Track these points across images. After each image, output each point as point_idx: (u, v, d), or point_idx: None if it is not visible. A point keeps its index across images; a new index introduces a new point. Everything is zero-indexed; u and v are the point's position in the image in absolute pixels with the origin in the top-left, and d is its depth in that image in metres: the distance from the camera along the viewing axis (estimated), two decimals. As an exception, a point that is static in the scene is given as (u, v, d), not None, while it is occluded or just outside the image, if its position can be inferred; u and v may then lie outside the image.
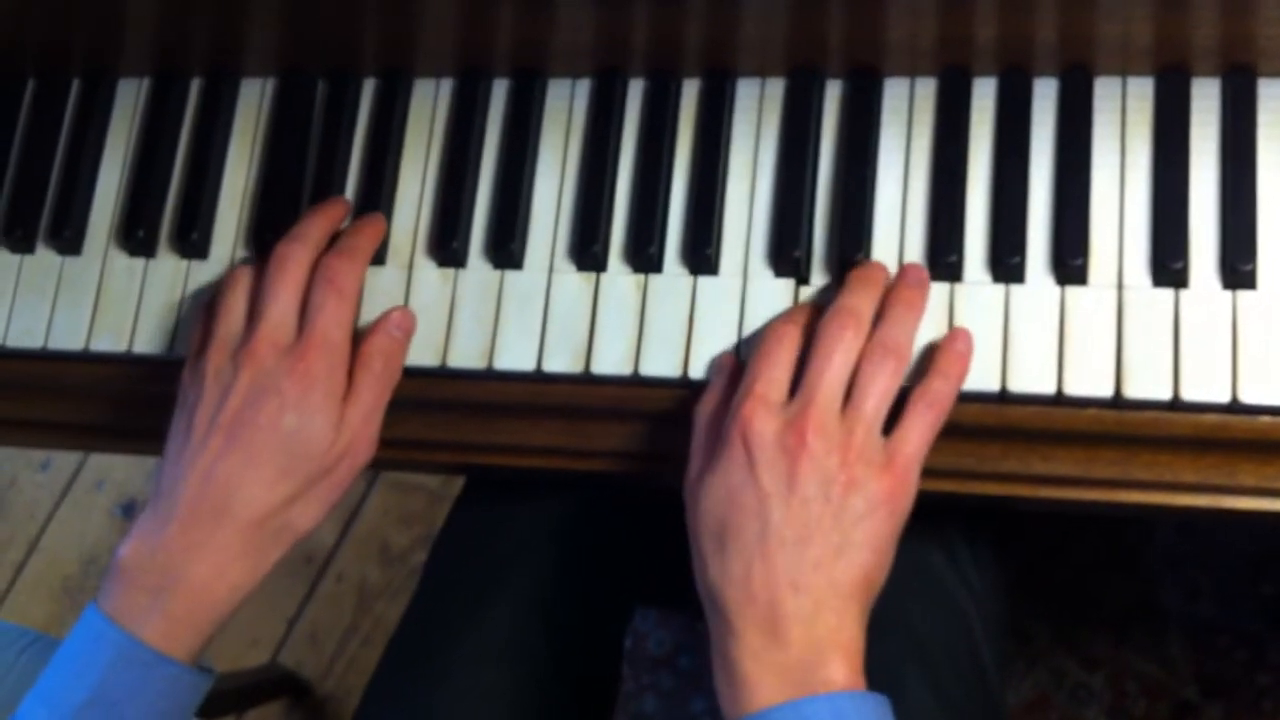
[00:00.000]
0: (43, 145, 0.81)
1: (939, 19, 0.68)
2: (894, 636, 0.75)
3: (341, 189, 0.76)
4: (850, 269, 0.68)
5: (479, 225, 0.74)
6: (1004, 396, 0.66)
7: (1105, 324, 0.65)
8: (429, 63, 0.77)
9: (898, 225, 0.69)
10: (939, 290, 0.68)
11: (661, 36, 0.72)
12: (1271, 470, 0.64)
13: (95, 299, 0.77)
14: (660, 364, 0.70)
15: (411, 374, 0.72)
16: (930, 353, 0.66)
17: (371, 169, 0.76)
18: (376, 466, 0.73)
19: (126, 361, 0.77)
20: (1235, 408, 0.63)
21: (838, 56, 0.71)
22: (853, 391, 0.62)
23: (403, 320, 0.72)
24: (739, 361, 0.68)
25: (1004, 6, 0.66)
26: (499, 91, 0.77)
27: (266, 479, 0.66)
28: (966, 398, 0.65)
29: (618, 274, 0.72)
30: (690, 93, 0.74)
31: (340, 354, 0.68)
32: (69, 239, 0.78)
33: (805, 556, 0.60)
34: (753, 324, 0.69)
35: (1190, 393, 0.64)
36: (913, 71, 0.71)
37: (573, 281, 0.72)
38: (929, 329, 0.67)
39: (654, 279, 0.71)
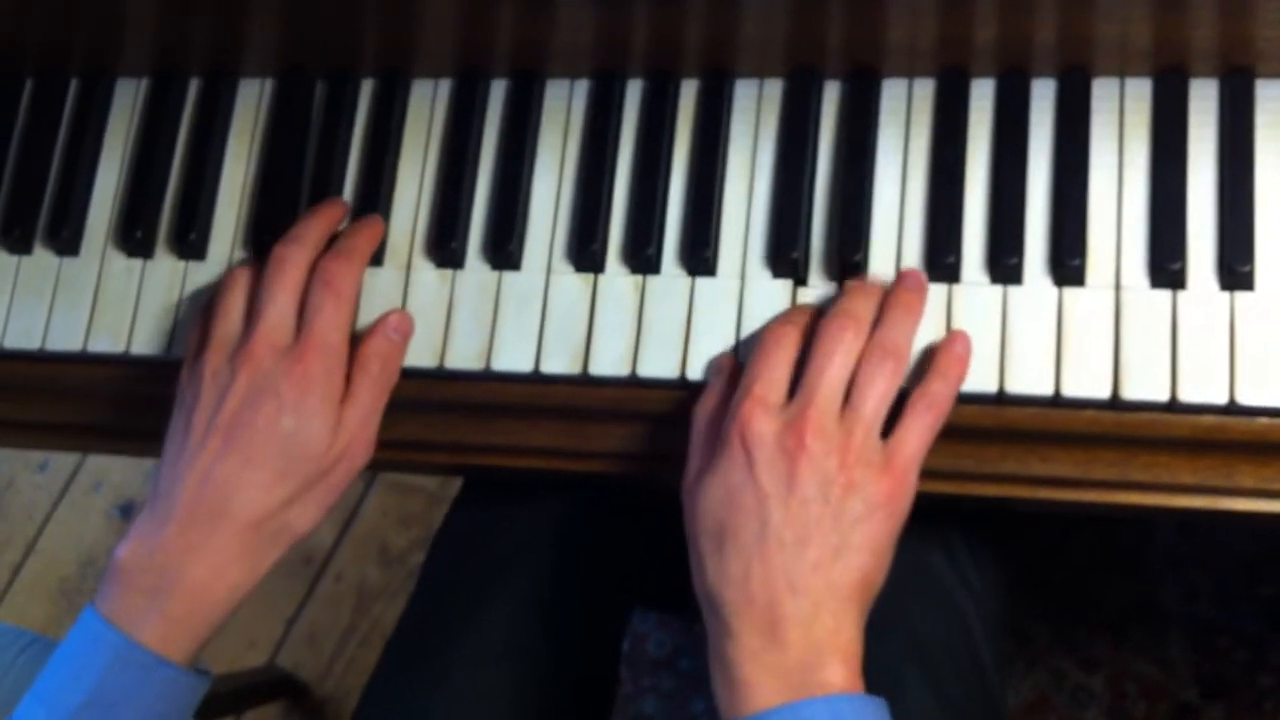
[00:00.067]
0: (41, 145, 0.81)
1: (938, 20, 0.68)
2: (894, 637, 0.75)
3: (339, 190, 0.76)
4: (848, 271, 0.68)
5: (477, 226, 0.74)
6: (1002, 397, 0.66)
7: (1103, 325, 0.65)
8: (427, 63, 0.77)
9: (896, 226, 0.69)
10: (937, 291, 0.68)
11: (660, 37, 0.72)
12: (1269, 471, 0.64)
13: (93, 300, 0.77)
14: (658, 365, 0.70)
15: (409, 375, 0.72)
16: (929, 355, 0.66)
17: (369, 170, 0.76)
18: (375, 468, 0.73)
19: (124, 362, 0.77)
20: (1233, 409, 0.63)
21: (836, 57, 0.71)
22: (852, 393, 0.63)
23: (400, 323, 0.72)
24: (737, 363, 0.68)
25: (1003, 7, 0.66)
26: (497, 92, 0.77)
27: (264, 481, 0.66)
28: (965, 399, 0.65)
29: (616, 275, 0.72)
30: (689, 93, 0.74)
31: (338, 356, 0.68)
32: (67, 239, 0.78)
33: (804, 558, 0.60)
34: (751, 325, 0.69)
35: (1188, 394, 0.64)
36: (911, 72, 0.71)
37: (571, 282, 0.72)
38: (927, 330, 0.67)
39: (652, 280, 0.71)
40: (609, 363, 0.70)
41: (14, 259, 0.79)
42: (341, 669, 1.51)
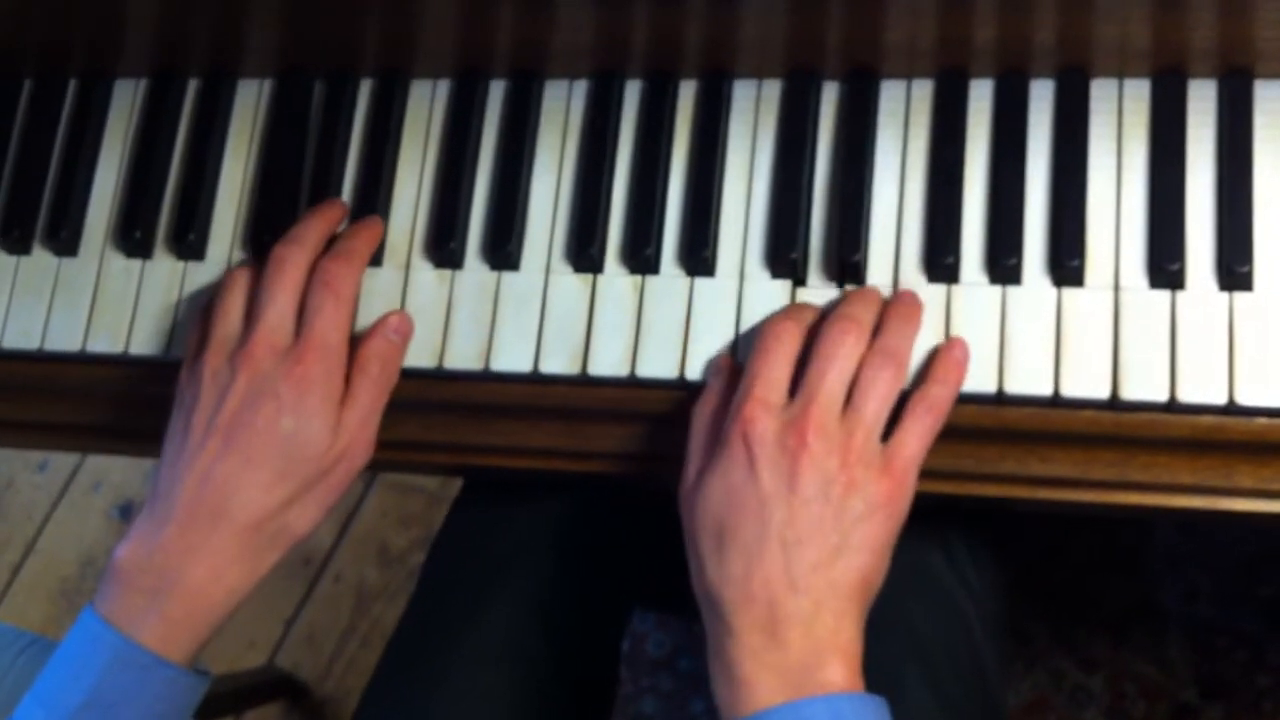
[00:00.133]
0: (39, 146, 0.81)
1: (937, 20, 0.68)
2: (893, 637, 0.75)
3: (338, 190, 0.76)
4: (847, 271, 0.69)
5: (476, 226, 0.74)
6: (1001, 398, 0.66)
7: (1102, 325, 0.65)
8: (426, 63, 0.77)
9: (894, 227, 0.69)
10: (936, 292, 0.68)
11: (659, 37, 0.72)
12: (1269, 472, 0.64)
13: (92, 300, 0.77)
14: (657, 365, 0.70)
15: (409, 375, 0.72)
16: (928, 360, 0.66)
17: (368, 170, 0.76)
18: (374, 468, 0.73)
19: (123, 363, 0.77)
20: (1232, 409, 0.63)
21: (835, 58, 0.71)
22: (853, 395, 0.63)
23: (400, 324, 0.72)
24: (736, 363, 0.68)
25: (1002, 8, 0.66)
26: (496, 92, 0.77)
27: (263, 482, 0.66)
28: (964, 399, 0.65)
29: (615, 275, 0.72)
30: (687, 94, 0.74)
31: (337, 357, 0.68)
32: (66, 240, 0.78)
33: (805, 557, 0.60)
34: (750, 325, 0.69)
35: (1187, 394, 0.64)
36: (910, 73, 0.71)
37: (570, 283, 0.72)
38: (927, 332, 0.67)
39: (651, 280, 0.71)
40: (608, 363, 0.70)
41: (13, 259, 0.79)
42: (341, 669, 1.51)
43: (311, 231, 0.71)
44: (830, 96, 0.72)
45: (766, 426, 0.62)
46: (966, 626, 0.79)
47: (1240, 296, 0.64)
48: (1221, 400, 0.63)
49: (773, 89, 0.73)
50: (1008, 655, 1.28)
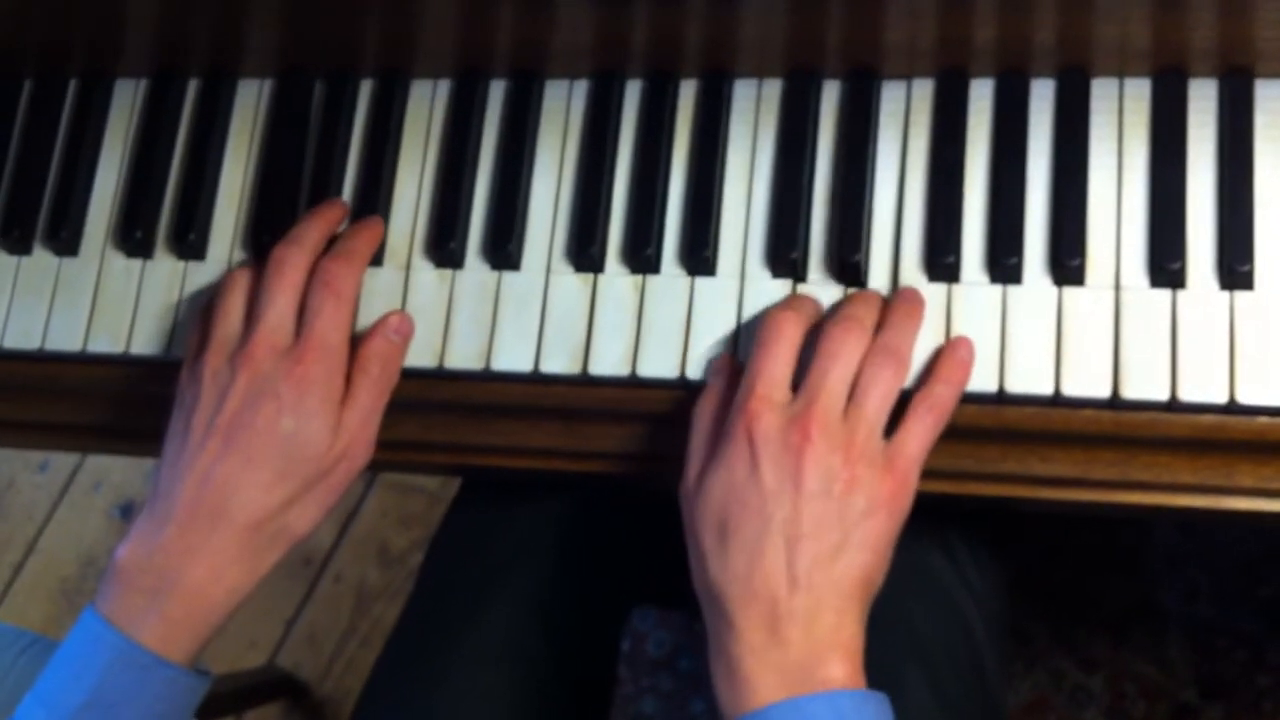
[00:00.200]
0: (40, 146, 0.81)
1: (937, 20, 0.68)
2: (894, 636, 0.75)
3: (339, 190, 0.76)
4: (847, 271, 0.69)
5: (476, 226, 0.74)
6: (1002, 397, 0.66)
7: (1103, 325, 0.65)
8: (427, 64, 0.77)
9: (895, 226, 0.69)
10: (937, 291, 0.68)
11: (659, 37, 0.72)
12: (1269, 471, 0.64)
13: (92, 300, 0.77)
14: (658, 365, 0.70)
15: (409, 375, 0.72)
16: (931, 360, 0.66)
17: (369, 170, 0.76)
18: (374, 468, 0.73)
19: (124, 363, 0.77)
20: (1233, 408, 0.63)
21: (835, 58, 0.71)
22: (855, 393, 0.63)
23: (401, 324, 0.72)
24: (737, 363, 0.68)
25: (1002, 8, 0.66)
26: (496, 93, 0.77)
27: (264, 482, 0.66)
28: (965, 398, 0.65)
29: (615, 275, 0.72)
30: (688, 94, 0.74)
31: (338, 357, 0.68)
32: (66, 240, 0.78)
33: (807, 554, 0.60)
34: (750, 325, 0.69)
35: (1188, 393, 0.64)
36: (910, 73, 0.71)
37: (570, 282, 0.72)
38: (928, 331, 0.67)
39: (651, 280, 0.71)
40: (609, 363, 0.70)
41: (13, 259, 0.79)
42: (341, 669, 1.51)
43: (312, 232, 0.71)
44: (831, 96, 0.72)
45: (770, 423, 0.62)
46: (967, 626, 0.79)
47: (1241, 295, 0.64)
48: (1222, 399, 0.63)
49: (773, 89, 0.73)
50: (1008, 655, 1.28)
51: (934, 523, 0.78)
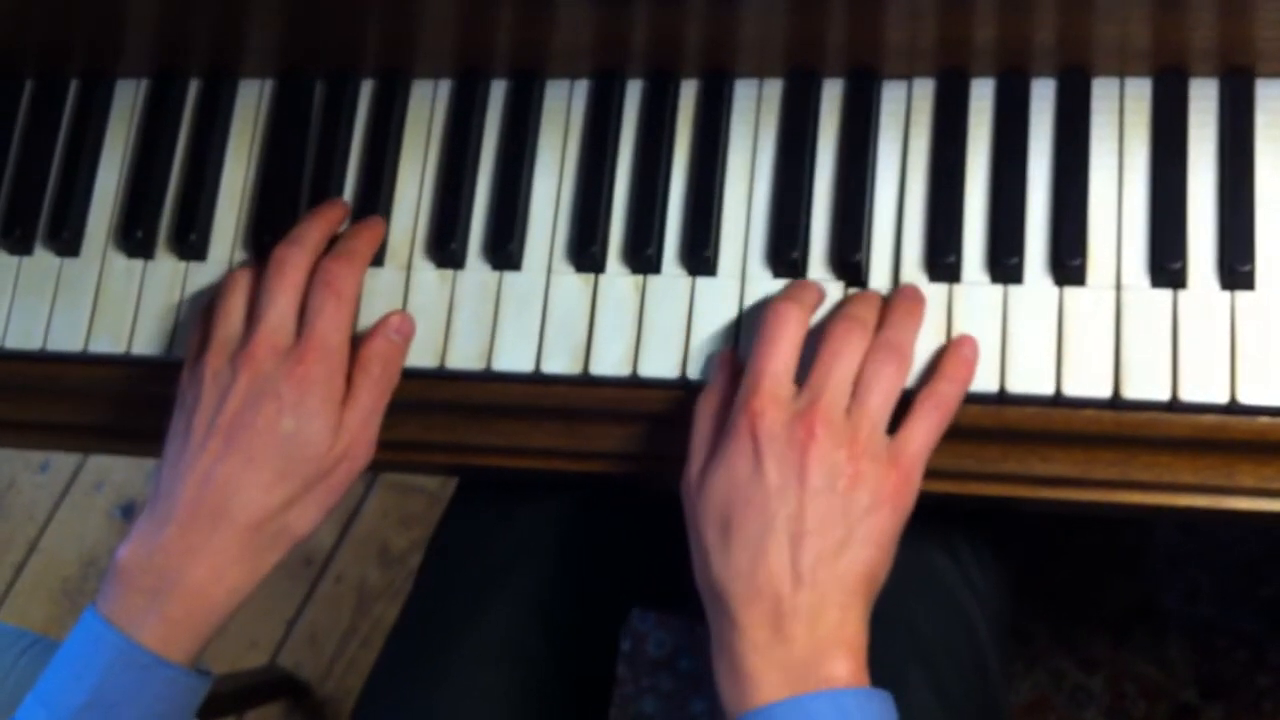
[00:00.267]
0: (41, 146, 0.81)
1: (937, 20, 0.68)
2: (897, 636, 0.75)
3: (340, 190, 0.76)
4: (848, 271, 0.69)
5: (477, 226, 0.74)
6: (1003, 397, 0.66)
7: (1103, 325, 0.65)
8: (427, 64, 0.77)
9: (895, 226, 0.69)
10: (937, 291, 0.68)
11: (660, 37, 0.72)
12: (1270, 471, 0.64)
13: (94, 300, 0.77)
14: (659, 365, 0.70)
15: (410, 375, 0.72)
16: (935, 359, 0.66)
17: (370, 170, 0.76)
18: (375, 468, 0.73)
19: (125, 363, 0.77)
20: (1234, 408, 0.63)
21: (836, 57, 0.71)
22: (858, 389, 0.63)
23: (402, 324, 0.72)
24: (738, 359, 0.68)
25: (1002, 8, 0.66)
26: (497, 92, 0.77)
27: (264, 482, 0.66)
28: (966, 398, 0.65)
29: (616, 275, 0.72)
30: (688, 94, 0.74)
31: (339, 358, 0.68)
32: (67, 240, 0.78)
33: (810, 550, 0.60)
34: (750, 326, 0.69)
35: (1189, 393, 0.64)
36: (911, 73, 0.71)
37: (571, 282, 0.72)
38: (929, 331, 0.67)
39: (652, 280, 0.71)
40: (610, 363, 0.70)
41: (15, 259, 0.79)
42: (342, 669, 1.51)
43: (313, 232, 0.71)
44: (831, 96, 0.72)
45: (774, 420, 0.61)
46: (969, 626, 0.79)
47: (1242, 295, 0.64)
48: (1223, 399, 0.63)
49: (774, 89, 0.73)
50: (1009, 655, 1.28)
51: (937, 523, 0.78)
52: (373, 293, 0.73)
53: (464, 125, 0.76)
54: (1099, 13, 0.65)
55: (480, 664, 0.79)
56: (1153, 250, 0.66)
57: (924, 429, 0.63)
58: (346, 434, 0.68)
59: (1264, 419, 0.64)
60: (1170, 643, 1.29)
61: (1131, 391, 0.64)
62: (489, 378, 0.72)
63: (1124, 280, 0.66)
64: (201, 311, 0.73)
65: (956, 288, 0.68)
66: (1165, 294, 0.65)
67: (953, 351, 0.66)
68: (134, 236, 0.77)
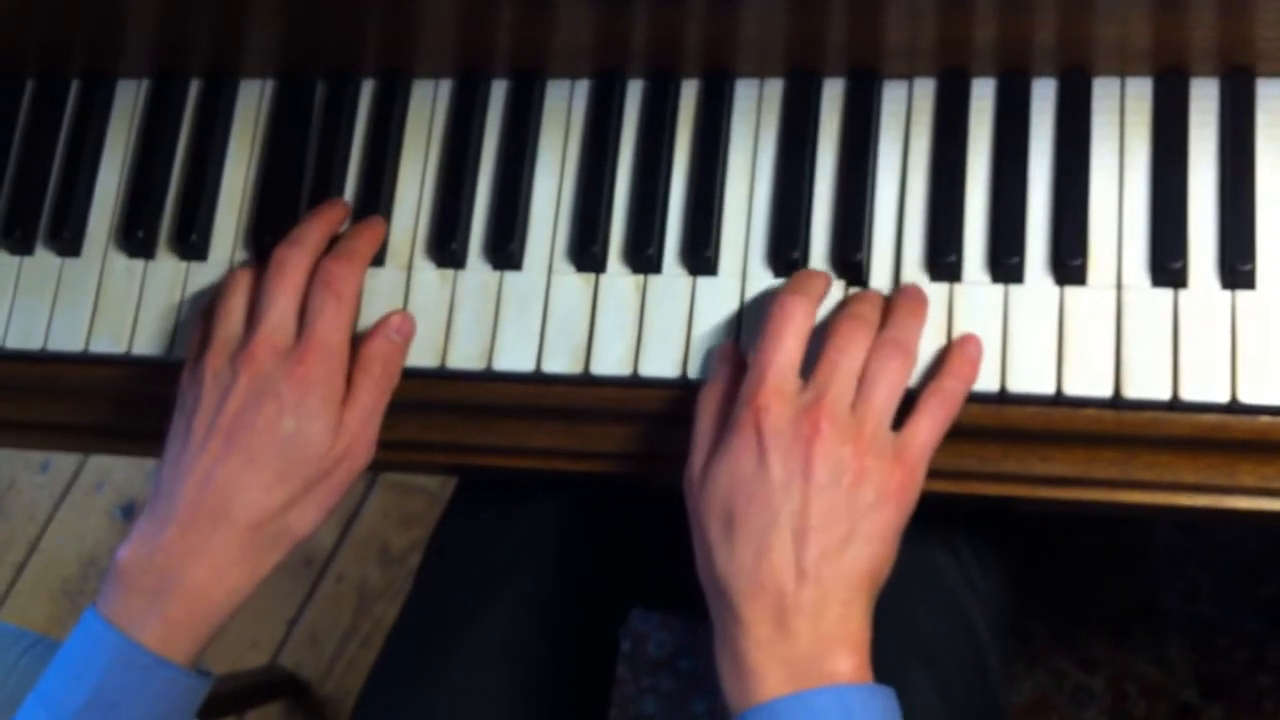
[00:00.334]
0: (42, 146, 0.81)
1: (938, 20, 0.68)
2: (898, 636, 0.75)
3: (340, 190, 0.76)
4: (849, 271, 0.69)
5: (478, 226, 0.74)
6: (1004, 397, 0.66)
7: (1104, 324, 0.65)
8: (428, 64, 0.77)
9: (896, 226, 0.69)
10: (938, 290, 0.68)
11: (661, 37, 0.72)
12: (1271, 470, 0.64)
13: (94, 300, 0.77)
14: (659, 364, 0.70)
15: (411, 375, 0.72)
16: (940, 357, 0.66)
17: (370, 170, 0.76)
18: (376, 468, 0.73)
19: (126, 363, 0.77)
20: (1234, 408, 0.63)
21: (837, 57, 0.71)
22: (863, 385, 0.63)
23: (402, 324, 0.72)
24: (741, 351, 0.68)
25: (1003, 8, 0.66)
26: (498, 92, 0.77)
27: (264, 482, 0.66)
28: (967, 398, 0.65)
29: (617, 275, 0.72)
30: (689, 93, 0.74)
31: (339, 358, 0.68)
32: (68, 240, 0.78)
33: (815, 546, 0.60)
34: (752, 325, 0.69)
35: (1189, 393, 0.64)
36: (911, 73, 0.71)
37: (572, 282, 0.72)
38: (930, 330, 0.67)
39: (653, 280, 0.71)
40: (610, 362, 0.70)
41: (15, 260, 0.79)
42: (343, 669, 1.51)
43: (313, 232, 0.71)
44: (832, 96, 0.72)
45: (779, 414, 0.61)
46: (970, 626, 0.79)
47: (1243, 295, 0.64)
48: (1224, 398, 0.63)
49: (774, 88, 0.73)
50: (1010, 655, 1.28)
51: (939, 522, 0.78)
52: (373, 293, 0.73)
53: (465, 125, 0.76)
54: (1099, 13, 0.65)
55: (480, 664, 0.79)
56: (1153, 250, 0.66)
57: (929, 425, 0.63)
58: (347, 434, 0.68)
59: (1265, 418, 0.64)
60: (1170, 642, 1.29)
61: (1132, 391, 0.64)
62: (489, 378, 0.72)
63: (1125, 280, 0.66)
64: (202, 312, 0.73)
65: (957, 287, 0.68)
66: (1166, 293, 0.65)
67: (958, 349, 0.66)
68: (135, 236, 0.77)
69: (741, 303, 0.70)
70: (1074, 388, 0.65)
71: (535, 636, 0.80)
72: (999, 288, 0.67)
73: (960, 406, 0.64)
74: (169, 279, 0.77)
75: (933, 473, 0.64)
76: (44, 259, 0.79)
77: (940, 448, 0.64)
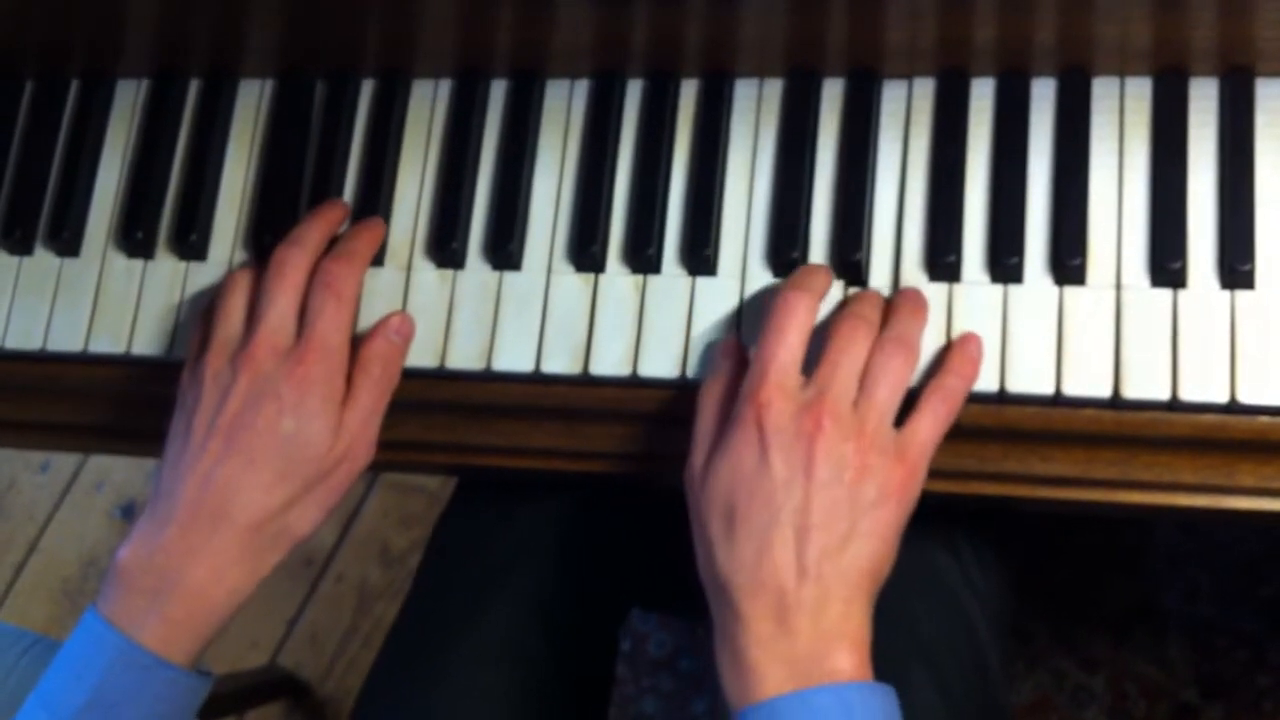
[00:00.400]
0: (41, 146, 0.81)
1: (938, 20, 0.68)
2: (899, 636, 0.75)
3: (340, 191, 0.76)
4: (848, 271, 0.69)
5: (477, 226, 0.74)
6: (1003, 397, 0.66)
7: (1103, 324, 0.65)
8: (427, 64, 0.77)
9: (896, 225, 0.69)
10: (938, 290, 0.68)
11: (660, 37, 0.72)
12: (1270, 470, 0.64)
13: (94, 300, 0.77)
14: (659, 365, 0.70)
15: (410, 375, 0.72)
16: (937, 358, 0.66)
17: (370, 170, 0.76)
18: (375, 468, 0.73)
19: (125, 363, 0.77)
20: (1234, 408, 0.63)
21: (836, 57, 0.72)
22: (865, 382, 0.63)
23: (402, 325, 0.72)
24: (743, 346, 0.67)
25: (1002, 8, 0.66)
26: (497, 92, 0.77)
27: (264, 483, 0.66)
28: (966, 398, 0.65)
29: (616, 275, 0.72)
30: (689, 93, 0.74)
31: (339, 358, 0.68)
32: (67, 240, 0.78)
33: (816, 544, 0.60)
34: (752, 325, 0.69)
35: (1189, 393, 0.64)
36: (911, 72, 0.71)
37: (571, 282, 0.72)
38: (928, 331, 0.67)
39: (652, 280, 0.71)
40: (610, 363, 0.70)
41: (15, 260, 0.79)
42: (343, 669, 1.51)
43: (313, 232, 0.71)
44: (832, 96, 0.72)
45: (781, 411, 0.61)
46: (971, 626, 0.79)
47: (1242, 295, 0.64)
48: (1223, 399, 0.63)
49: (774, 88, 0.73)
50: (1010, 655, 1.28)
51: (939, 523, 0.78)
52: (373, 293, 0.73)
53: (464, 125, 0.76)
54: (1099, 13, 0.65)
55: (480, 664, 0.79)
56: (1153, 250, 0.66)
57: (930, 422, 0.63)
58: (347, 434, 0.68)
59: (1264, 418, 0.64)
60: (1170, 642, 1.29)
61: (1131, 391, 0.64)
62: (489, 378, 0.72)
63: (1124, 280, 0.66)
64: (202, 312, 0.73)
65: (957, 287, 0.68)
66: (1165, 293, 0.65)
67: (959, 347, 0.66)
68: (134, 237, 0.77)
69: (741, 302, 0.70)
70: (1073, 388, 0.65)
71: (535, 636, 0.80)
72: (998, 288, 0.67)
73: (961, 404, 0.64)
74: (168, 279, 0.77)
75: (933, 473, 0.64)
76: (43, 259, 0.79)
77: (940, 448, 0.64)
